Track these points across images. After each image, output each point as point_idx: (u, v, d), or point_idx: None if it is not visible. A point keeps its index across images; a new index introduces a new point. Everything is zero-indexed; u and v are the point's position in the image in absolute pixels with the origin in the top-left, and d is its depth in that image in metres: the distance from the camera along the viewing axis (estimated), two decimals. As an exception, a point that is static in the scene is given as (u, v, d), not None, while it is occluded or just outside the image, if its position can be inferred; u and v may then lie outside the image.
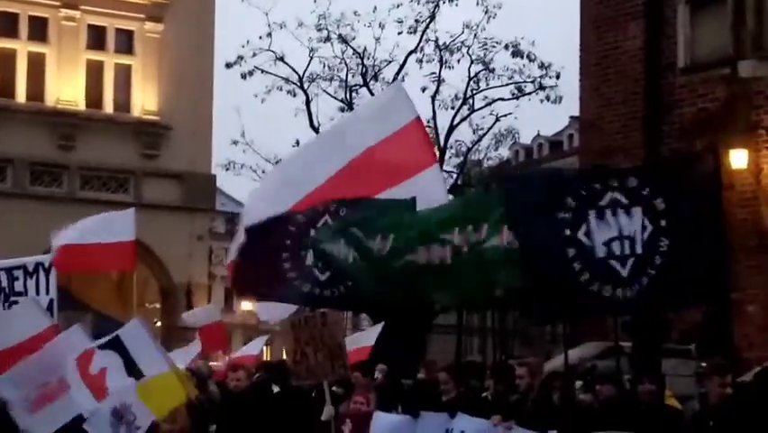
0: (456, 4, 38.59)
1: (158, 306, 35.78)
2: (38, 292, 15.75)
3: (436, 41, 38.85)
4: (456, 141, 39.66)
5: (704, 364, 12.98)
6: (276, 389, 14.98)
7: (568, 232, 9.53)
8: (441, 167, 12.08)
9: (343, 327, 12.17)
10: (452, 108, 38.57)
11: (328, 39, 39.08)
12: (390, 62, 39.24)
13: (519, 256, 9.66)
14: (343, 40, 39.16)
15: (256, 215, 12.21)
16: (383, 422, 11.05)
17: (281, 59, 39.25)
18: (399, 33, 38.98)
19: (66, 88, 33.78)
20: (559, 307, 9.99)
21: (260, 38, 39.22)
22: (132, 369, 12.11)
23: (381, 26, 38.84)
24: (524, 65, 38.69)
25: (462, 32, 38.70)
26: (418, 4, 38.42)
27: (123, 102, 34.85)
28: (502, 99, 39.45)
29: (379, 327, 19.60)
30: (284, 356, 15.28)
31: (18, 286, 15.91)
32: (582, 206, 9.38)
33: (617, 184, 9.27)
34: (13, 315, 14.96)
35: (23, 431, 12.82)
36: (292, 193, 12.33)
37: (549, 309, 10.14)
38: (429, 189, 11.40)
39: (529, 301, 10.31)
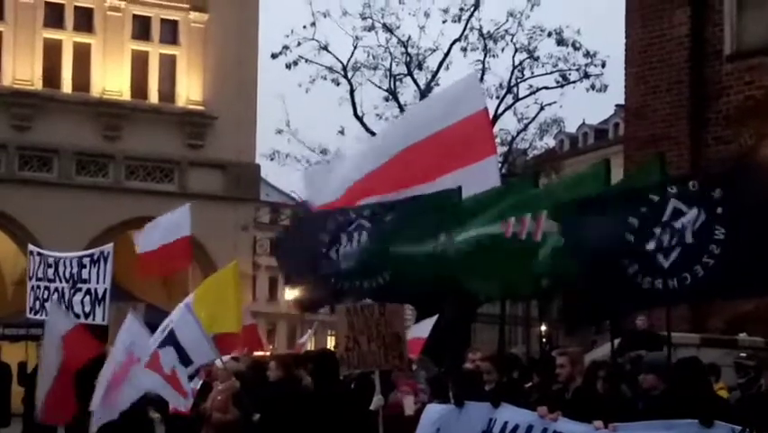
0: (500, -8, 38.47)
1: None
2: (98, 281, 16.11)
3: (480, 29, 38.70)
4: (501, 130, 39.39)
5: (743, 354, 12.83)
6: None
7: (632, 244, 9.35)
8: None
9: (403, 318, 12.00)
10: (497, 97, 38.34)
11: (372, 28, 38.97)
12: (434, 51, 39.13)
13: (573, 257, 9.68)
14: (388, 28, 39.04)
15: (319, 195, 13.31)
16: (431, 412, 11.03)
17: (325, 48, 39.22)
18: (444, 22, 38.87)
19: (111, 79, 33.98)
20: (599, 312, 10.00)
21: (304, 27, 39.17)
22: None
23: (426, 15, 38.77)
24: (568, 53, 38.52)
25: (507, 21, 38.58)
26: (462, -8, 38.32)
27: (167, 92, 35.06)
28: (547, 88, 39.24)
29: (433, 319, 19.45)
30: (329, 346, 15.26)
31: (84, 273, 16.32)
32: (647, 224, 9.25)
33: (675, 191, 9.11)
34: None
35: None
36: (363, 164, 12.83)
37: (586, 314, 10.19)
38: (485, 179, 11.49)
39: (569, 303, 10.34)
